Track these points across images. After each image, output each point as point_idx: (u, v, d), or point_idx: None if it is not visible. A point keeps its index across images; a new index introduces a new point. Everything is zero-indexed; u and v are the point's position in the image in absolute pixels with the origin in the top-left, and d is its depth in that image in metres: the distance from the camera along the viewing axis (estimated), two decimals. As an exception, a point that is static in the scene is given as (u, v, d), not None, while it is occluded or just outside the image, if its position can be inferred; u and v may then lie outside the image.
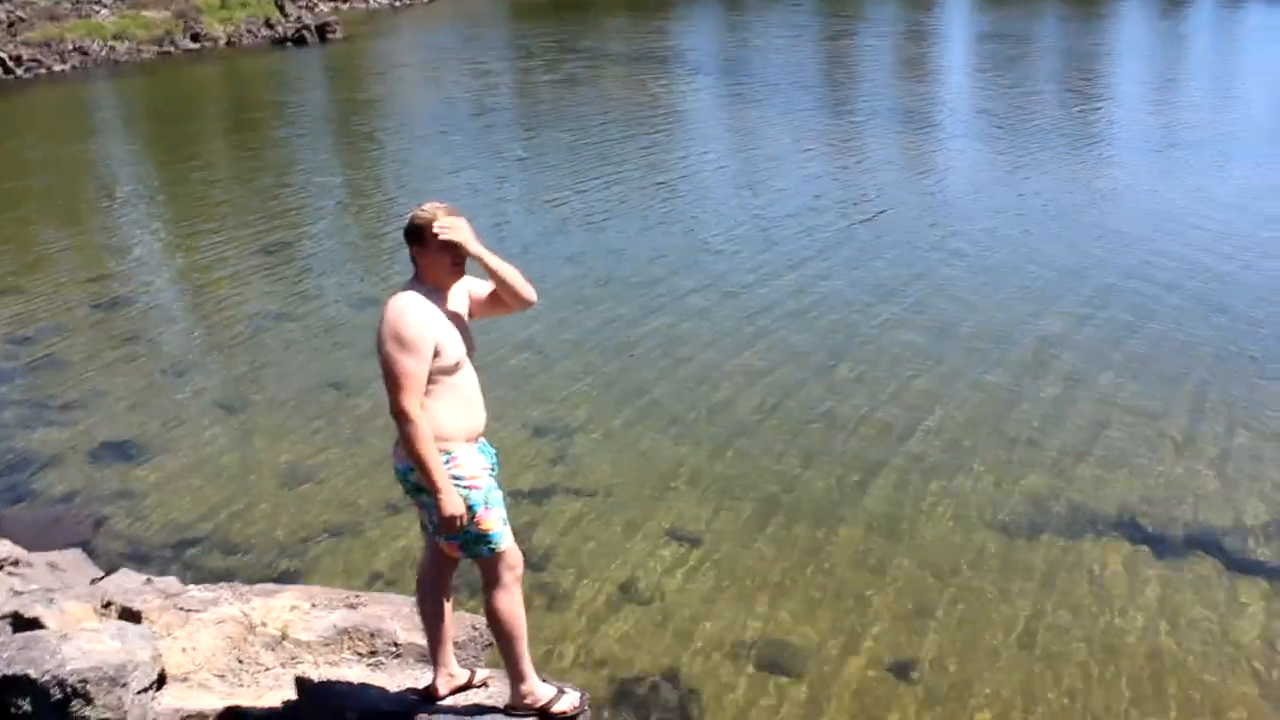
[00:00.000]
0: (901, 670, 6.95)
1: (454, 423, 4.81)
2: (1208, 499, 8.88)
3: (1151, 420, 10.18)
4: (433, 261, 4.80)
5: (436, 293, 4.83)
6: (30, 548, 7.53)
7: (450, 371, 4.77)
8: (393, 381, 4.64)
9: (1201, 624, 7.41)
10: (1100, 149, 21.85)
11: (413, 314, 4.70)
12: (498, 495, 4.97)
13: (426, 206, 4.84)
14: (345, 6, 46.62)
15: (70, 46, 33.72)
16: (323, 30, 38.23)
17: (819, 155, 21.40)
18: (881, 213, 17.16)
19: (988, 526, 8.52)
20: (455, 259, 4.80)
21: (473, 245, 4.78)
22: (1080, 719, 6.58)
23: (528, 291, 5.02)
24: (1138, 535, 8.40)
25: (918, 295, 13.39)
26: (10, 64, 31.25)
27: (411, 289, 4.81)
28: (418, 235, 4.80)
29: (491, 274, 4.90)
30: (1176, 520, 8.60)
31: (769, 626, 7.38)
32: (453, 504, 4.68)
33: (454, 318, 4.87)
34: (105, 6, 38.84)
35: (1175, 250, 14.83)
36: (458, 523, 4.72)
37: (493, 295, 5.07)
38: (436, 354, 4.69)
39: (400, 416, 4.64)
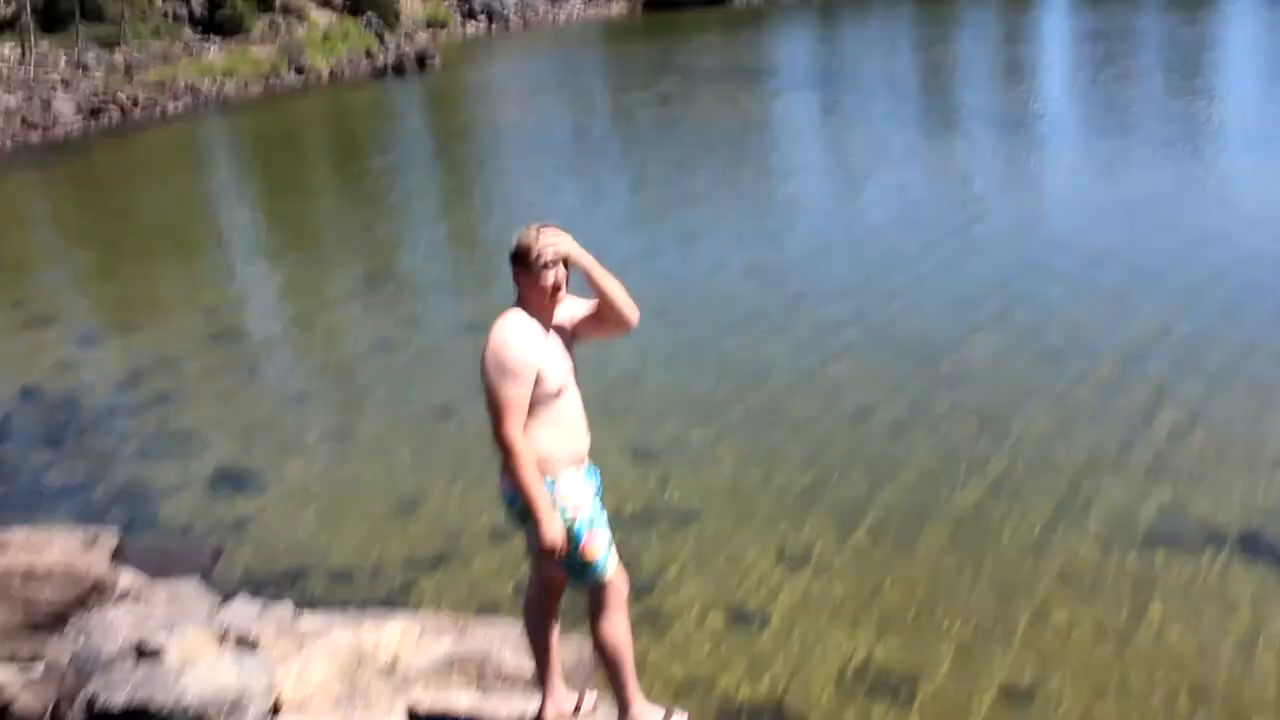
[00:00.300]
0: (1020, 699, 6.76)
1: (558, 448, 4.82)
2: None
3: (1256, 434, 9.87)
4: (535, 284, 4.78)
5: (539, 317, 4.83)
6: (152, 577, 7.73)
7: (553, 397, 4.78)
8: (495, 408, 4.67)
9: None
10: (1202, 149, 21.27)
11: (515, 340, 4.71)
12: (603, 520, 4.97)
13: (530, 229, 4.84)
14: (443, 34, 47.54)
15: (182, 86, 34.85)
16: (421, 59, 39.00)
17: (913, 165, 21.22)
18: (976, 223, 16.94)
19: (1100, 545, 8.29)
20: (557, 282, 4.79)
21: (582, 256, 4.78)
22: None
23: (631, 310, 4.95)
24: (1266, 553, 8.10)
25: (1011, 307, 13.19)
26: (128, 105, 32.42)
27: (515, 313, 4.82)
28: (521, 258, 4.79)
29: (597, 287, 4.86)
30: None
31: (879, 652, 7.25)
32: (553, 532, 4.69)
33: (556, 342, 4.88)
34: (214, 45, 40.11)
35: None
36: (559, 551, 4.73)
37: (596, 315, 5.01)
38: (539, 380, 4.70)
39: (502, 443, 4.66)
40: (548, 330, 4.85)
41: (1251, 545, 8.17)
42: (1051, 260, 14.86)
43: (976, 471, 9.46)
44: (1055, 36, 41.99)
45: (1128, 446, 9.75)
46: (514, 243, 4.82)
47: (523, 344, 4.71)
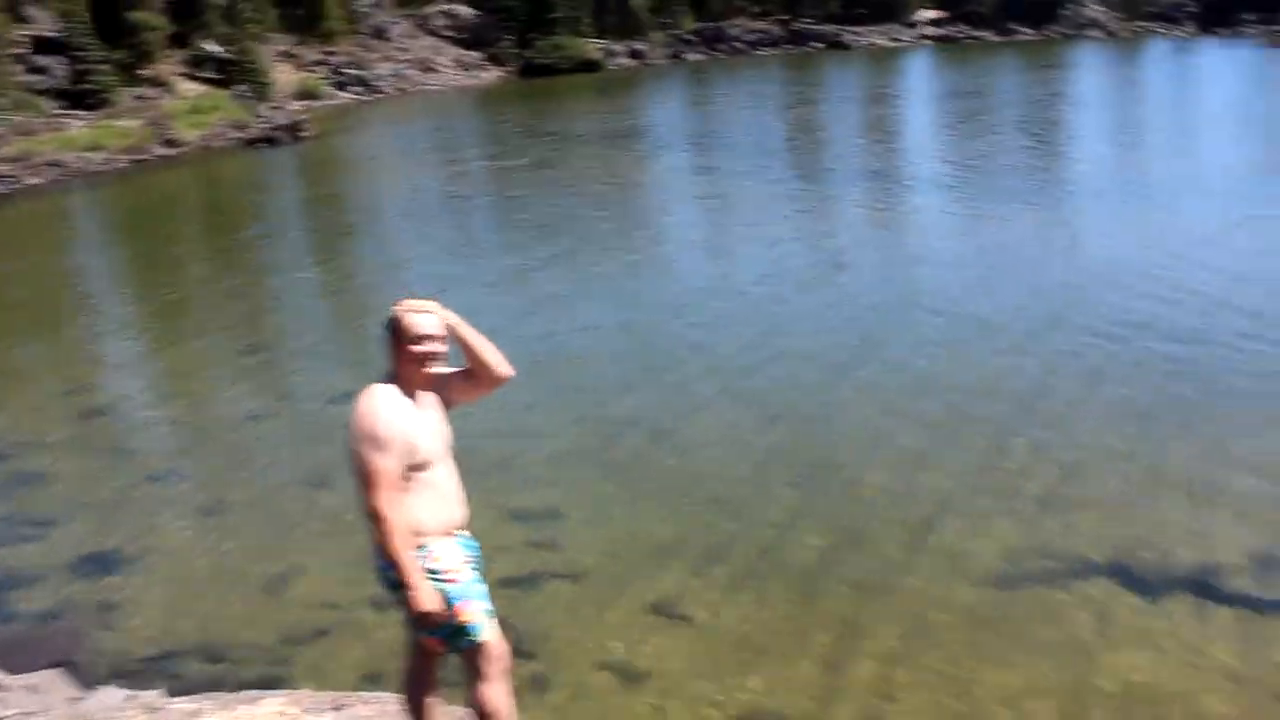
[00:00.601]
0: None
1: (430, 517, 4.75)
2: (1184, 536, 8.89)
3: (1125, 461, 10.25)
4: (406, 356, 4.77)
5: (410, 388, 4.79)
6: (10, 670, 7.38)
7: (424, 467, 4.72)
8: (365, 479, 4.59)
9: (1196, 661, 7.34)
10: (1060, 199, 22.19)
11: (383, 410, 4.66)
12: (479, 588, 4.89)
13: (405, 302, 4.84)
14: (316, 104, 47.19)
15: (44, 160, 33.92)
16: (294, 129, 38.61)
17: (780, 223, 21.68)
18: (849, 272, 17.42)
19: (974, 583, 8.50)
20: (430, 353, 4.77)
21: (449, 315, 4.79)
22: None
23: (502, 365, 4.96)
24: (1135, 580, 8.36)
25: (885, 354, 13.66)
26: (-16, 180, 31.43)
27: (383, 386, 4.77)
28: (392, 330, 4.79)
29: (466, 346, 4.88)
30: (1165, 559, 8.58)
31: (760, 697, 7.30)
32: (423, 599, 4.61)
33: (427, 413, 4.83)
34: (79, 119, 39.19)
35: (1126, 299, 15.06)
36: (431, 619, 4.64)
37: (467, 375, 5.00)
38: (410, 451, 4.64)
39: (372, 514, 4.58)
40: (419, 402, 4.80)
41: (1107, 574, 8.42)
42: (908, 312, 15.39)
43: (833, 518, 9.68)
44: (918, 95, 43.40)
45: (970, 490, 10.06)
46: (387, 317, 4.81)
47: (391, 414, 4.66)
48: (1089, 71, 44.77)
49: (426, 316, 4.77)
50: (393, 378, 4.80)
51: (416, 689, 5.15)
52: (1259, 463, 10.13)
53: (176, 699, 6.65)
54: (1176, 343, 13.36)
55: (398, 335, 4.77)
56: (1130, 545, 8.87)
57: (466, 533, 4.99)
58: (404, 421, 4.66)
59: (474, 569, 4.91)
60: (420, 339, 4.74)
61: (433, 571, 4.69)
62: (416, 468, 4.68)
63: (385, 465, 4.58)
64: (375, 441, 4.58)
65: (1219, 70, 44.13)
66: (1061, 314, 14.73)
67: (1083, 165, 25.97)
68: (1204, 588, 8.26)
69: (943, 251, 18.78)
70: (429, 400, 4.88)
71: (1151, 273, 16.25)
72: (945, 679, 7.42)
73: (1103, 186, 23.06)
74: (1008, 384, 12.42)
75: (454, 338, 4.85)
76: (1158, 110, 35.18)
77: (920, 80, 46.86)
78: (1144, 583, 8.36)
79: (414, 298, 4.92)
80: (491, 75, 57.34)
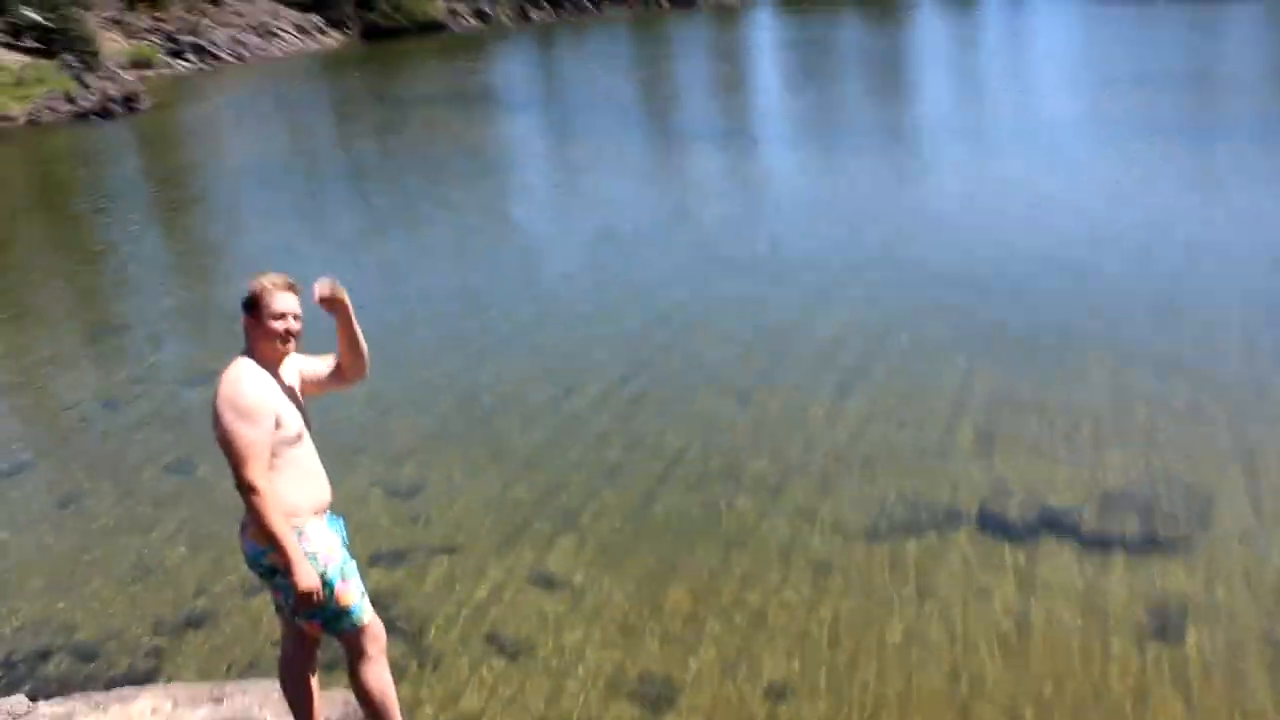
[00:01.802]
0: (779, 693, 7.04)
1: (300, 498, 4.72)
2: (1049, 484, 9.29)
3: (1000, 415, 10.63)
4: (265, 334, 4.72)
5: (269, 365, 4.75)
6: None
7: (291, 443, 4.69)
8: (235, 453, 4.52)
9: (1062, 603, 7.73)
10: (904, 149, 22.79)
11: (249, 383, 4.61)
12: (353, 567, 4.89)
13: (264, 278, 4.78)
14: (152, 74, 45.44)
15: None
16: (129, 101, 37.16)
17: (626, 179, 21.90)
18: (700, 228, 17.67)
19: (852, 537, 8.74)
20: (289, 330, 4.74)
21: (343, 294, 4.79)
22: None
23: (365, 360, 5.02)
24: (985, 525, 8.73)
25: (740, 311, 13.91)
26: None
27: (244, 360, 4.72)
28: (251, 306, 4.72)
29: (347, 332, 4.90)
30: (1024, 506, 8.96)
31: (644, 662, 7.41)
32: (308, 578, 4.59)
33: (289, 390, 4.79)
34: (-111, 95, 37.04)
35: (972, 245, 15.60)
36: (314, 597, 4.63)
37: (327, 371, 5.03)
38: (277, 424, 4.60)
39: (246, 489, 4.52)
40: (279, 378, 4.76)
41: (986, 523, 8.78)
42: (750, 264, 15.81)
43: (730, 479, 9.80)
44: (760, 48, 43.91)
45: (863, 443, 10.33)
46: (246, 291, 4.75)
47: (258, 386, 4.61)
48: (925, 24, 45.79)
49: (286, 294, 4.73)
50: (251, 355, 4.75)
51: (295, 675, 5.14)
52: (1045, 404, 10.65)
53: (44, 702, 6.48)
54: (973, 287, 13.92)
55: (257, 310, 4.72)
56: (993, 492, 9.22)
57: (332, 513, 4.99)
58: (269, 394, 4.63)
59: (344, 548, 4.92)
60: (280, 315, 4.69)
61: (309, 554, 4.67)
62: (284, 444, 4.65)
63: (256, 438, 4.52)
64: (243, 414, 4.53)
65: (1052, 22, 45.53)
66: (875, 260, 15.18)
67: (918, 116, 26.70)
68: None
69: (780, 202, 19.25)
70: (288, 377, 4.86)
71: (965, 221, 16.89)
72: (830, 635, 7.66)
73: (937, 136, 23.78)
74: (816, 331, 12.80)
75: (340, 321, 4.86)
76: (996, 61, 36.23)
77: (763, 33, 47.30)
78: (1017, 529, 8.70)
79: (270, 273, 4.88)
80: (333, 40, 55.98)
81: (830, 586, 8.12)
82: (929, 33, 43.72)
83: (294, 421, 4.70)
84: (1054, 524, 8.65)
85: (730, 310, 14.02)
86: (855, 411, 10.90)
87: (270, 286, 4.73)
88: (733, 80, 35.97)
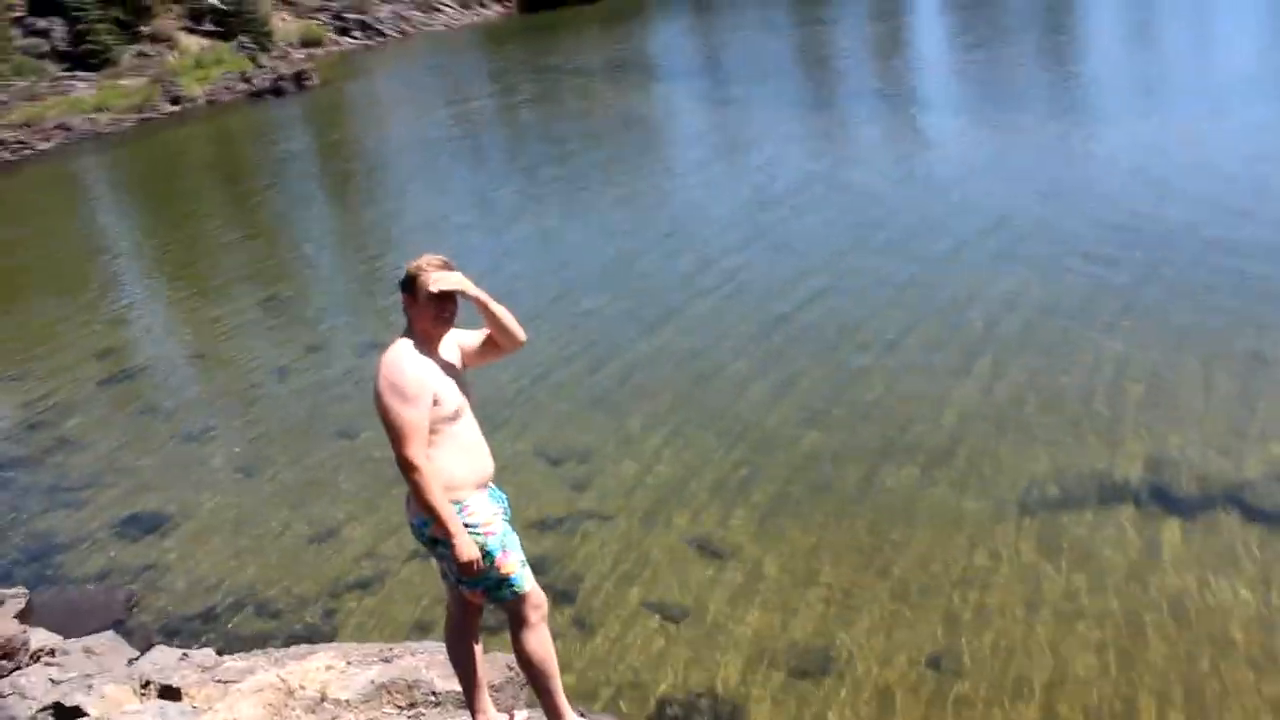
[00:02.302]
0: (937, 663, 6.97)
1: (461, 471, 4.83)
2: (1216, 456, 8.91)
3: (1162, 384, 10.22)
4: (423, 313, 4.83)
5: (428, 343, 4.87)
6: (64, 634, 7.58)
7: (451, 420, 4.79)
8: (395, 433, 4.67)
9: (1228, 584, 7.43)
10: (1072, 111, 21.89)
11: (407, 364, 4.73)
12: (514, 538, 4.99)
13: (420, 259, 4.89)
14: (320, 52, 46.89)
15: (52, 124, 33.91)
16: (299, 78, 38.44)
17: (792, 144, 21.60)
18: (880, 203, 17.24)
19: (1007, 509, 8.54)
20: (443, 310, 4.84)
21: (471, 288, 4.84)
22: (1118, 698, 6.60)
23: (520, 332, 5.07)
24: (1157, 501, 8.40)
25: (917, 281, 13.48)
26: (-6, 148, 31.51)
27: (403, 341, 4.85)
28: (409, 286, 4.84)
29: (489, 316, 4.95)
30: (1190, 480, 8.61)
31: (801, 631, 7.41)
32: (468, 549, 4.71)
33: (448, 367, 4.90)
34: (82, 81, 39.10)
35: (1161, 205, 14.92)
36: (475, 567, 4.75)
37: (485, 342, 5.10)
38: (436, 402, 4.71)
39: (406, 467, 4.66)
40: (437, 356, 4.87)
41: (1159, 499, 8.48)
42: (907, 232, 15.38)
43: (887, 453, 9.65)
44: (924, 9, 42.81)
45: (1020, 412, 10.05)
46: (403, 273, 4.87)
47: (415, 367, 4.73)
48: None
49: (441, 273, 4.82)
50: (411, 333, 4.87)
51: (459, 641, 5.28)
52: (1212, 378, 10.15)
53: (229, 656, 6.83)
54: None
55: (414, 292, 4.83)
56: (1156, 464, 8.90)
57: (494, 486, 5.09)
58: (428, 375, 4.74)
59: (505, 519, 5.02)
60: (435, 296, 4.80)
61: (470, 525, 4.78)
62: (443, 420, 4.76)
63: (414, 418, 4.65)
64: (402, 395, 4.66)
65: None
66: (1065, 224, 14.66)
67: (1089, 76, 25.66)
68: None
69: (941, 167, 18.71)
70: (449, 354, 4.96)
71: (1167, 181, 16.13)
72: (991, 608, 7.54)
73: (1117, 94, 22.81)
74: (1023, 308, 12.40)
75: (473, 303, 4.91)
76: (1177, 14, 34.56)
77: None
78: (1182, 504, 8.39)
79: (428, 253, 4.98)
80: (493, 12, 56.74)
81: (985, 559, 7.96)
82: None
83: (452, 398, 4.81)
84: (1220, 498, 8.29)
85: (885, 280, 13.66)
86: (1012, 380, 10.56)
87: (426, 267, 4.83)
88: (894, 42, 35.16)
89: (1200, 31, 30.31)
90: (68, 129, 33.94)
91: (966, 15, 37.24)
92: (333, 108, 35.31)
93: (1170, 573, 7.58)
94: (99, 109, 35.52)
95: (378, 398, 4.71)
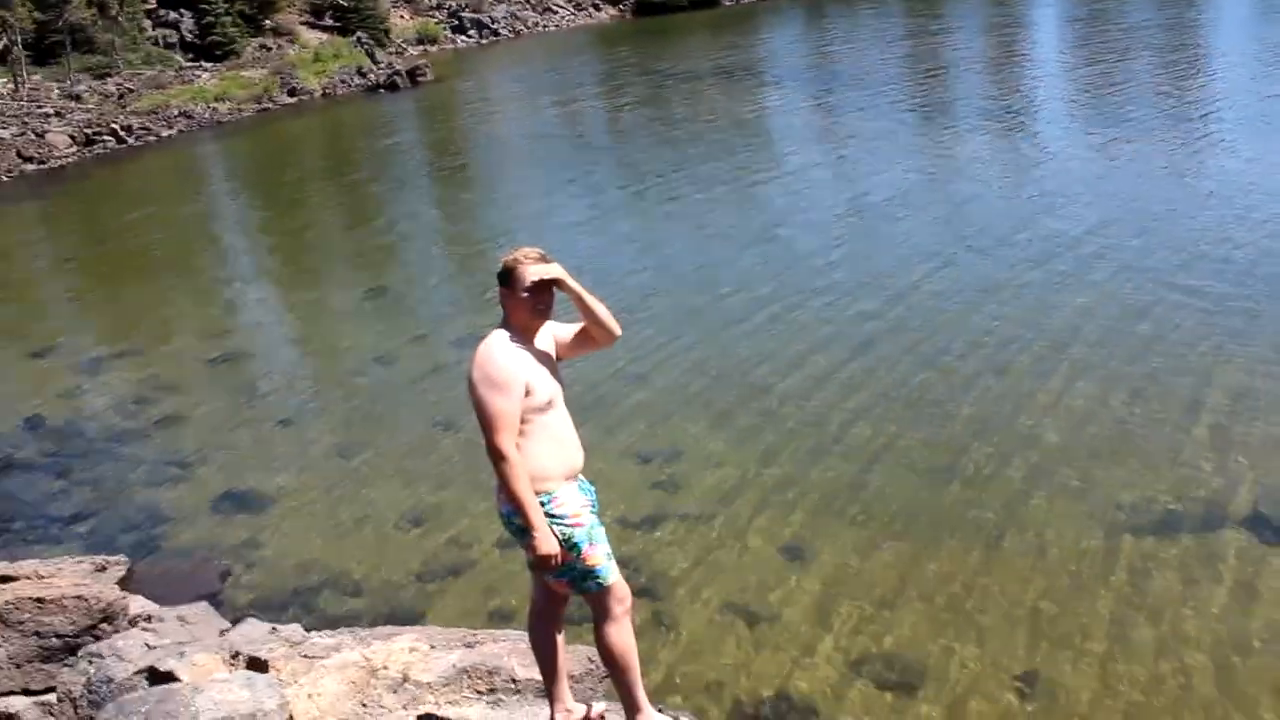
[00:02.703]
0: (1025, 680, 6.83)
1: (551, 463, 4.84)
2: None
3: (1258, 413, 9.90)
4: (519, 304, 4.85)
5: (523, 334, 4.89)
6: (161, 602, 7.78)
7: (542, 410, 4.81)
8: (486, 422, 4.69)
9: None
10: (1201, 130, 21.25)
11: (501, 354, 4.76)
12: (600, 531, 4.99)
13: (517, 252, 4.91)
14: (434, 49, 47.61)
15: (176, 112, 34.93)
16: (413, 74, 39.04)
17: (893, 153, 21.35)
18: (980, 215, 16.96)
19: (1098, 529, 8.35)
20: (539, 302, 4.86)
21: (568, 280, 4.85)
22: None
23: (615, 325, 5.05)
24: (1259, 529, 8.13)
25: (1018, 299, 13.24)
26: (122, 133, 32.48)
27: (499, 332, 4.88)
28: (506, 279, 4.87)
29: (584, 309, 4.95)
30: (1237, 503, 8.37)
31: (883, 640, 7.32)
32: (547, 544, 4.71)
33: (542, 358, 4.91)
34: (206, 71, 40.21)
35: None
36: (552, 562, 4.76)
37: (579, 335, 5.10)
38: (528, 393, 4.73)
39: (496, 456, 4.69)
40: (532, 347, 4.89)
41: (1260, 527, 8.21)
42: (998, 245, 15.18)
43: (984, 466, 9.52)
44: (1039, 23, 42.02)
45: (1140, 431, 9.81)
46: (501, 266, 4.90)
47: (509, 358, 4.75)
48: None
49: (539, 266, 4.83)
50: (507, 325, 4.90)
51: (542, 630, 5.29)
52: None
53: (316, 633, 6.94)
54: None
55: (511, 284, 4.86)
56: (1260, 493, 8.61)
57: (584, 477, 5.09)
58: (521, 366, 4.75)
59: (593, 512, 5.02)
60: (532, 289, 4.81)
61: (557, 517, 4.79)
62: (535, 411, 4.77)
63: (506, 408, 4.68)
64: (495, 385, 4.68)
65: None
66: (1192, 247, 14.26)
67: (1202, 95, 24.93)
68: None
69: (1041, 182, 18.34)
70: (544, 345, 4.98)
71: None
72: (1082, 628, 7.36)
73: (1256, 116, 22.11)
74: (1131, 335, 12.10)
75: (569, 295, 4.91)
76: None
77: (1045, 9, 45.16)
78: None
79: (525, 245, 5.00)
80: (606, 15, 57.06)
81: (1081, 579, 7.78)
82: (1223, 7, 40.70)
83: (545, 390, 4.82)
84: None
85: (970, 292, 13.51)
86: (1112, 400, 10.32)
87: (523, 259, 4.86)
88: (1006, 55, 34.57)
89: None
90: (190, 116, 34.92)
91: (1083, 29, 36.47)
92: (445, 104, 35.82)
93: (1270, 603, 7.32)
94: (220, 98, 36.48)
95: (471, 386, 4.75)
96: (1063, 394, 10.58)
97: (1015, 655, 7.07)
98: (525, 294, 4.81)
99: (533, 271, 4.80)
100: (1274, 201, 15.88)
